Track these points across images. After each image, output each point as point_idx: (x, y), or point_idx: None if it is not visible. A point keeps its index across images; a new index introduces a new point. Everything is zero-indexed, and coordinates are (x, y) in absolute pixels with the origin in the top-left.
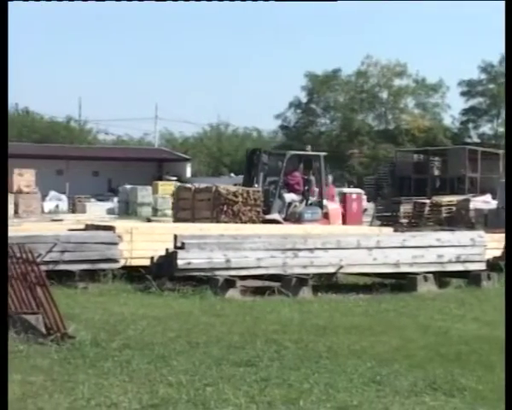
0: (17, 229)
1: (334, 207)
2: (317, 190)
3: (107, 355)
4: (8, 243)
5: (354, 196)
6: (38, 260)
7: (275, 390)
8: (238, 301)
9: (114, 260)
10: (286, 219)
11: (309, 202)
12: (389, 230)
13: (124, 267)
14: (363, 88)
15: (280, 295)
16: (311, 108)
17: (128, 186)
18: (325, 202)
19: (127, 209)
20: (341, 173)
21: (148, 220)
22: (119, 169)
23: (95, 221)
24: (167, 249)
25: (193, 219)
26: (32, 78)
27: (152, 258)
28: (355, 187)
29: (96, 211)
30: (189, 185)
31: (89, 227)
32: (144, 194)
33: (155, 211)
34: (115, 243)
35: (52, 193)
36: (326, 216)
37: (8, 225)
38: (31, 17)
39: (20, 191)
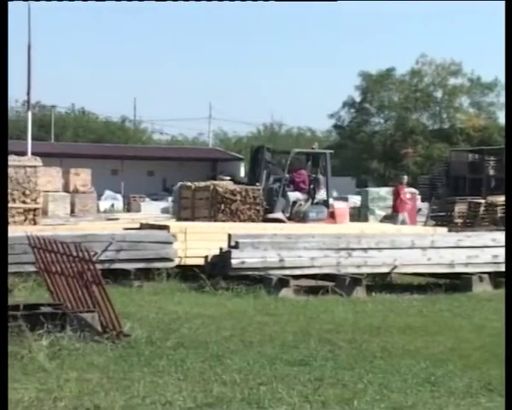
0: (73, 228)
1: (340, 206)
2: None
3: (161, 354)
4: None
5: (409, 196)
6: (94, 258)
7: (329, 390)
8: (292, 300)
9: (169, 259)
10: (290, 219)
11: (315, 200)
12: (444, 230)
13: (178, 266)
14: (417, 87)
15: (334, 294)
16: (364, 108)
17: None
18: (331, 200)
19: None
20: (396, 173)
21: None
22: (174, 169)
23: (149, 220)
24: (221, 249)
25: (192, 218)
26: (88, 78)
27: (206, 257)
28: (409, 187)
29: (151, 210)
30: (189, 184)
31: (144, 226)
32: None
33: None
34: (170, 243)
35: (107, 192)
36: (332, 215)
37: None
38: (87, 19)
39: (76, 191)
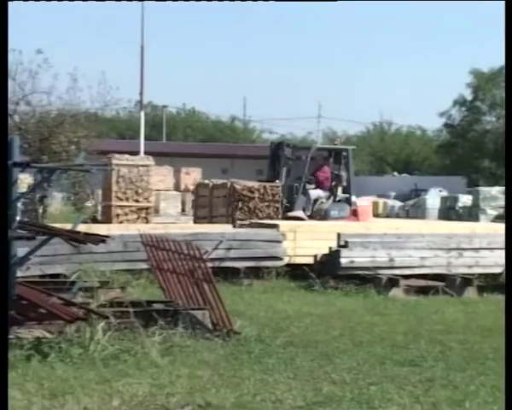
0: (184, 226)
1: (363, 203)
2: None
3: (271, 352)
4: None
5: None
6: (205, 257)
7: (440, 391)
8: (401, 300)
9: (278, 258)
10: (311, 217)
11: (337, 198)
12: None
13: (287, 265)
14: None
15: (444, 294)
16: (476, 106)
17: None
18: (354, 198)
19: (292, 208)
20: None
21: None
22: None
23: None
24: (330, 248)
25: (210, 217)
26: (199, 78)
27: (315, 256)
28: None
29: None
30: (207, 181)
31: (253, 225)
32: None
33: None
34: (279, 241)
35: None
36: (355, 213)
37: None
38: (196, 19)
39: (186, 190)
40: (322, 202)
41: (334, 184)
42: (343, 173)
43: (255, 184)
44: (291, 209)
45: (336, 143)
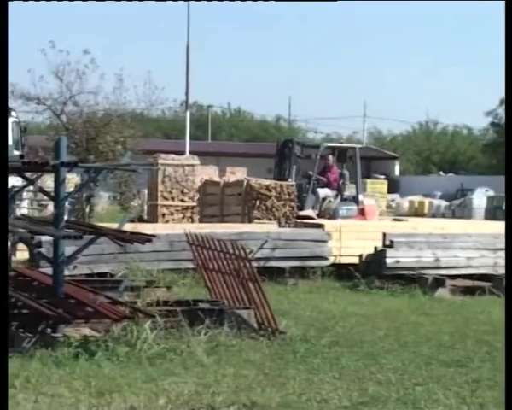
0: (229, 226)
1: (370, 202)
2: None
3: (316, 352)
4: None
5: None
6: (250, 256)
7: (486, 392)
8: (447, 300)
9: (324, 258)
10: (319, 216)
11: (344, 196)
12: None
13: (333, 265)
14: None
15: (490, 295)
16: None
17: None
18: (361, 197)
19: None
20: None
21: None
22: None
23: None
24: (376, 247)
25: (221, 216)
26: (244, 78)
27: (360, 256)
28: None
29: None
30: (217, 179)
31: (298, 225)
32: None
33: None
34: (324, 241)
35: None
36: (362, 212)
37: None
38: (240, 19)
39: None
40: (330, 201)
41: (341, 182)
42: (345, 172)
43: (272, 183)
44: (301, 208)
45: (342, 142)
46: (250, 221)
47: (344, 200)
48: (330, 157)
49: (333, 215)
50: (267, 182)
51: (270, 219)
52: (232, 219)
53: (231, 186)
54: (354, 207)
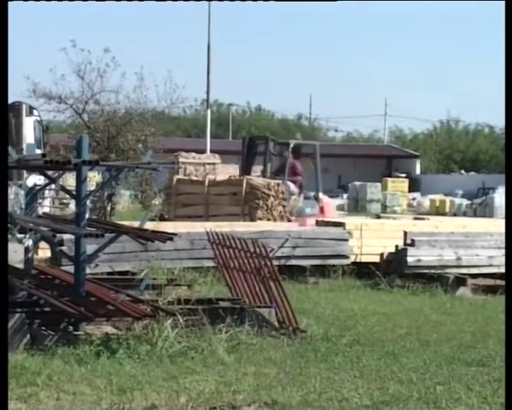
0: (250, 224)
1: (327, 200)
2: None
3: (337, 350)
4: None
5: None
6: (271, 255)
7: None
8: (469, 299)
9: (344, 256)
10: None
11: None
12: None
13: (353, 263)
14: None
15: None
16: None
17: (357, 183)
18: (320, 194)
19: (356, 206)
20: None
21: (378, 217)
22: (349, 166)
23: (325, 218)
24: (397, 246)
25: (207, 217)
26: (265, 77)
27: (381, 254)
28: None
29: None
30: (195, 178)
31: (319, 223)
32: (373, 190)
33: (384, 207)
34: (345, 240)
35: None
36: (322, 210)
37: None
38: (262, 18)
39: None
40: (295, 199)
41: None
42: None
43: (271, 182)
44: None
45: (297, 138)
46: (252, 221)
47: (306, 198)
48: (296, 153)
49: (299, 214)
50: (266, 181)
51: (269, 219)
52: (223, 220)
53: (222, 185)
54: (316, 205)
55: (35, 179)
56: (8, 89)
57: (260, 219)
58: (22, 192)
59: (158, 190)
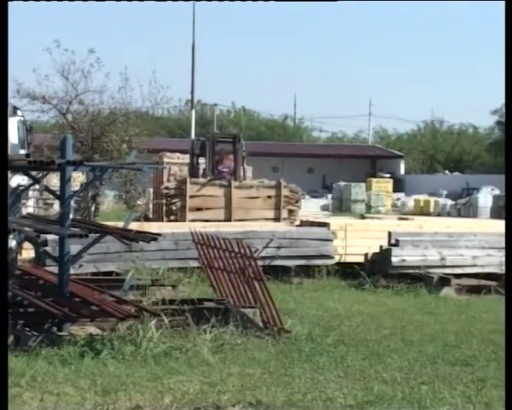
0: (235, 225)
1: None
2: None
3: (322, 350)
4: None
5: None
6: (256, 255)
7: (492, 391)
8: (453, 299)
9: (329, 257)
10: None
11: None
12: None
13: (338, 263)
14: None
15: (496, 294)
16: None
17: (342, 183)
18: None
19: (341, 206)
20: None
21: (362, 217)
22: (333, 166)
23: (309, 217)
24: (381, 246)
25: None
26: (251, 76)
27: (366, 255)
28: None
29: (311, 207)
30: (200, 180)
31: (304, 223)
32: (358, 191)
33: (369, 208)
34: (330, 240)
35: None
36: None
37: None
38: (245, 18)
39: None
40: None
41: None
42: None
43: (292, 186)
44: None
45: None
46: (292, 225)
47: None
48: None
49: None
50: (292, 185)
51: (292, 223)
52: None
53: (251, 188)
54: None
55: (19, 180)
56: None
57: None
58: None
59: (143, 190)
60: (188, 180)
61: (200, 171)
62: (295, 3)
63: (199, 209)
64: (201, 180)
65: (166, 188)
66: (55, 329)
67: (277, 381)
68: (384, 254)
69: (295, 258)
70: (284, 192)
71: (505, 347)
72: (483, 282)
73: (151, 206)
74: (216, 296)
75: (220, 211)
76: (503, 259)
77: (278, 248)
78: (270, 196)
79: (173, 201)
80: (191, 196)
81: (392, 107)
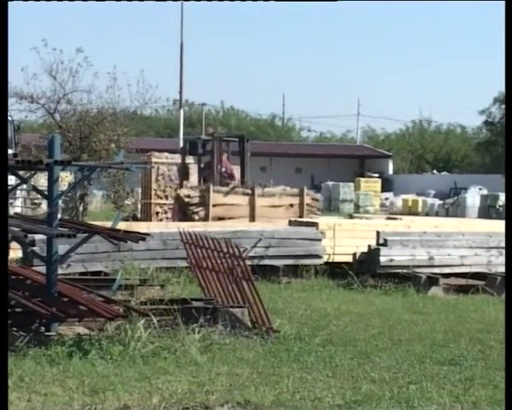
0: (224, 224)
1: None
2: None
3: (310, 350)
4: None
5: None
6: (244, 255)
7: (480, 390)
8: (441, 298)
9: (317, 256)
10: None
11: None
12: None
13: (326, 263)
14: None
15: (484, 293)
16: None
17: (330, 183)
18: None
19: (329, 206)
20: None
21: (350, 217)
22: (322, 166)
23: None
24: (369, 246)
25: None
26: (240, 76)
27: (354, 254)
28: None
29: None
30: (223, 189)
31: (292, 223)
32: (346, 190)
33: (357, 207)
34: (318, 239)
35: None
36: None
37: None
38: (234, 17)
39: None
40: None
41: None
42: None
43: (313, 194)
44: None
45: (211, 131)
46: None
47: None
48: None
49: None
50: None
51: None
52: None
53: (273, 196)
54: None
55: None
56: None
57: None
58: None
59: (131, 190)
60: (211, 188)
61: (193, 171)
62: (284, 3)
63: (221, 219)
64: (224, 189)
65: (188, 196)
66: (42, 329)
67: (266, 381)
68: (372, 254)
69: (284, 258)
70: (307, 200)
71: (505, 347)
72: (471, 281)
73: (139, 206)
74: (204, 296)
75: (243, 220)
76: (491, 258)
77: (267, 247)
78: (292, 205)
79: (196, 210)
80: (214, 205)
81: (381, 106)
